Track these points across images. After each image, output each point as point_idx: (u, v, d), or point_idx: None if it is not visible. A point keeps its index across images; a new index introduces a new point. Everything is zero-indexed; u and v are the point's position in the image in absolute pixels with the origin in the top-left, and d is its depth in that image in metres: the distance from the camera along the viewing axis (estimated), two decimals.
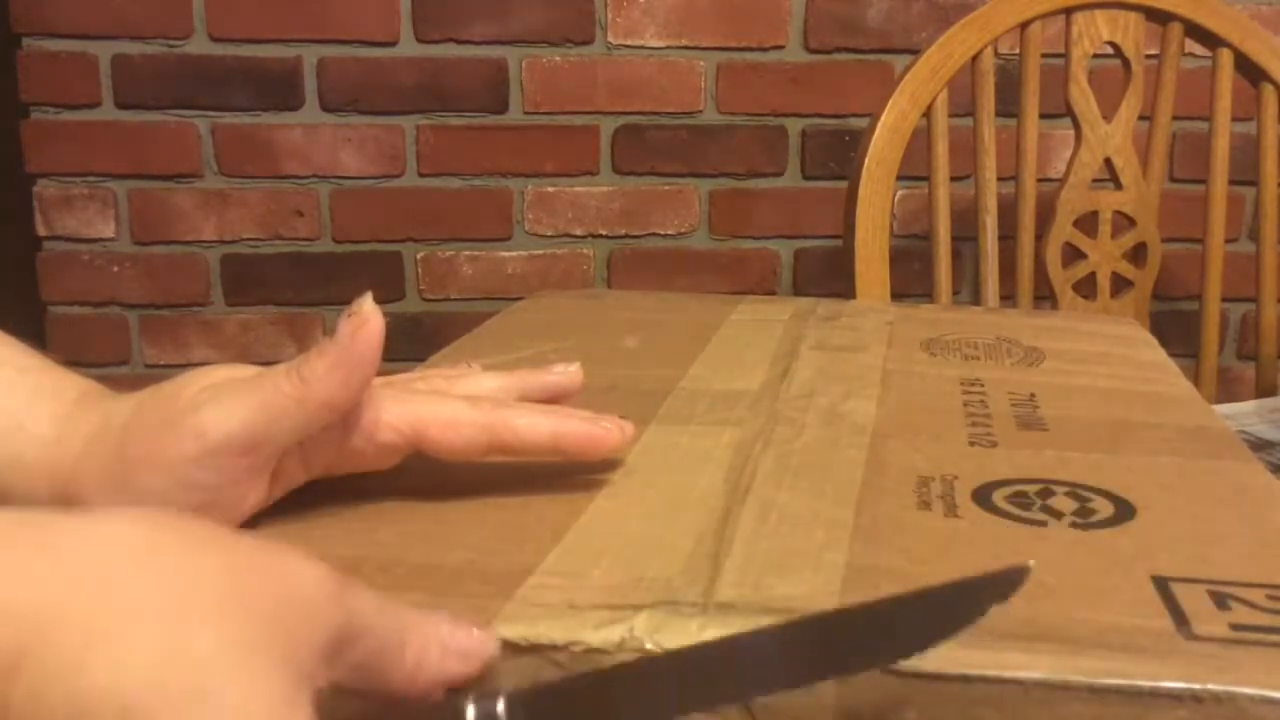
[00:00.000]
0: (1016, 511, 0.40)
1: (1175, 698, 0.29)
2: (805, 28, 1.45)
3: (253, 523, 0.38)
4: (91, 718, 0.21)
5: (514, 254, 1.50)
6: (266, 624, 0.24)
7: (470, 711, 0.26)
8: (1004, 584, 0.27)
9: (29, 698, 0.21)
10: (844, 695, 0.30)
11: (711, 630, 0.31)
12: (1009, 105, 1.12)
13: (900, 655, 0.27)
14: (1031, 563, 0.28)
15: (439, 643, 0.28)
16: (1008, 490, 0.42)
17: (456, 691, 0.27)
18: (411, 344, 1.49)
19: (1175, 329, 1.24)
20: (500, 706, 0.26)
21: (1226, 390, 1.44)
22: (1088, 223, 1.11)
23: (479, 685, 0.28)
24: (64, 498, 0.36)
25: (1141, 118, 1.11)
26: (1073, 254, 1.11)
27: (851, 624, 0.27)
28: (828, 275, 1.52)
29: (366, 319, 0.37)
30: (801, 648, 0.27)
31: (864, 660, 0.27)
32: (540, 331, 0.69)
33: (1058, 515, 0.40)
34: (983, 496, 0.42)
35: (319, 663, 0.25)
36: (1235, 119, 1.10)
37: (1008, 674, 0.30)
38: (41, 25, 1.40)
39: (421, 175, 1.47)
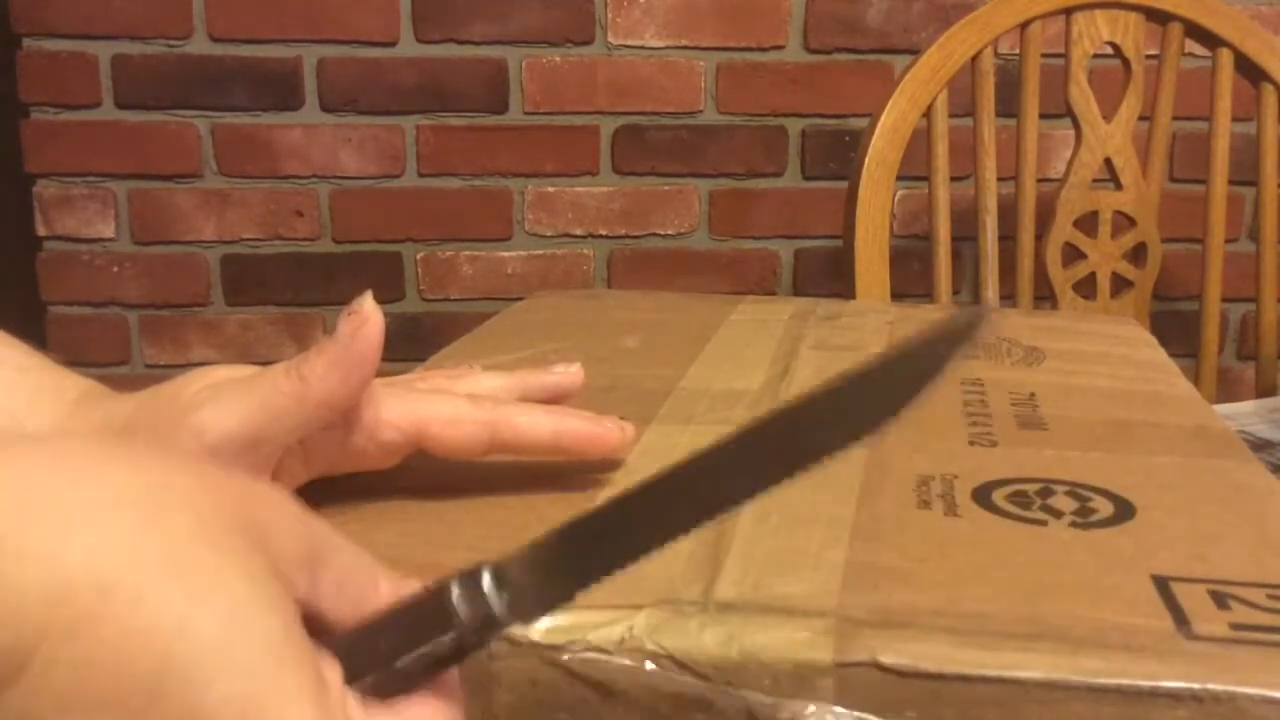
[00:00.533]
0: (1016, 511, 0.40)
1: (1175, 697, 0.29)
2: (805, 28, 1.45)
3: None
4: (69, 600, 0.21)
5: (514, 254, 1.50)
6: (240, 514, 0.24)
7: (455, 591, 0.26)
8: (965, 325, 0.26)
9: (10, 582, 0.21)
10: (843, 695, 0.30)
11: (711, 630, 0.31)
12: (1009, 105, 1.12)
13: (877, 423, 0.26)
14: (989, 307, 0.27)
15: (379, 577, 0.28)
16: (1008, 489, 0.42)
17: (439, 580, 0.27)
18: (411, 344, 1.49)
19: (1175, 329, 1.24)
20: (486, 580, 0.26)
21: (1226, 390, 1.44)
22: (1088, 223, 1.11)
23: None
24: None
25: (1141, 118, 1.11)
26: (1073, 254, 1.11)
27: (818, 408, 0.26)
28: (828, 275, 1.53)
29: (366, 318, 0.37)
30: (773, 443, 0.26)
31: (839, 438, 0.26)
32: (540, 331, 0.69)
33: (1057, 514, 0.40)
34: (983, 496, 0.42)
35: (295, 566, 0.25)
36: (1235, 119, 1.10)
37: (1008, 674, 0.30)
38: (41, 25, 1.40)
39: (421, 175, 1.47)
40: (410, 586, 0.28)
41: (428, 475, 0.42)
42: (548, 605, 0.27)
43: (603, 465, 0.44)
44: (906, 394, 0.25)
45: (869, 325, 0.71)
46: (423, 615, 0.26)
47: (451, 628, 0.26)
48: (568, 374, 0.47)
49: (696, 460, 0.27)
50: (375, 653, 0.26)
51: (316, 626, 0.26)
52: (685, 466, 0.27)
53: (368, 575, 0.27)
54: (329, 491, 0.40)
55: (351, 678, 0.25)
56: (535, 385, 0.46)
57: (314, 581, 0.26)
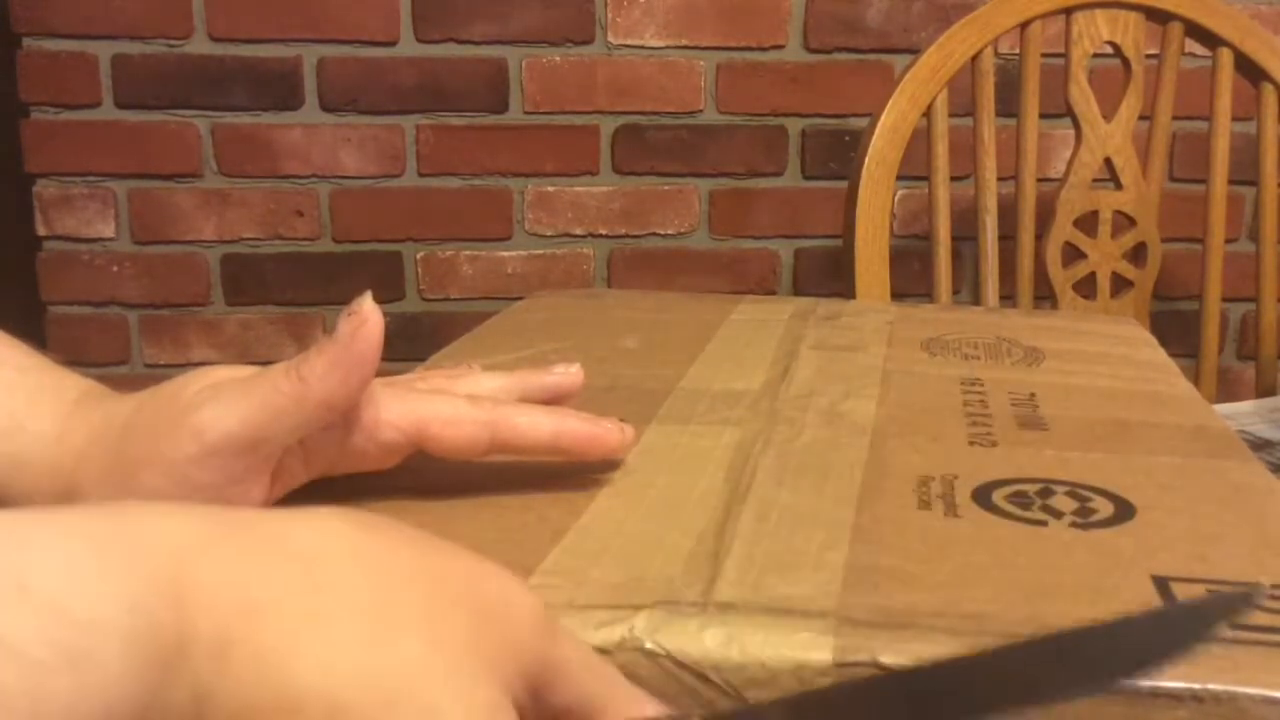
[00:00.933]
0: (1016, 511, 0.40)
1: (1176, 697, 0.29)
2: (805, 28, 1.45)
3: None
4: (298, 714, 0.21)
5: (514, 254, 1.50)
6: (471, 630, 0.24)
7: None
8: (1233, 601, 0.26)
9: (237, 686, 0.21)
10: None
11: (711, 629, 0.31)
12: (1009, 105, 1.12)
13: (1129, 673, 0.26)
14: (1266, 582, 0.27)
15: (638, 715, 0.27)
16: (1008, 490, 0.42)
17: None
18: (411, 344, 1.49)
19: (1175, 329, 1.24)
20: None
21: (1226, 390, 1.44)
22: (1088, 223, 1.11)
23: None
24: (65, 497, 0.36)
25: (1141, 117, 1.11)
26: (1073, 254, 1.11)
27: (1082, 642, 0.26)
28: (828, 275, 1.53)
29: (366, 318, 0.37)
30: (1033, 665, 0.26)
31: (1096, 681, 0.26)
32: (540, 331, 0.69)
33: (1057, 515, 0.40)
34: (983, 496, 0.42)
35: (525, 688, 0.25)
36: (1235, 119, 1.10)
37: None
38: (41, 25, 1.40)
39: (421, 175, 1.47)
40: (640, 697, 0.27)
41: (428, 475, 0.42)
42: None
43: (602, 466, 0.44)
44: (1169, 652, 0.25)
45: (869, 325, 0.71)
46: None
47: None
48: (568, 374, 0.47)
49: (959, 661, 0.26)
50: None
51: None
52: (943, 665, 0.26)
53: (596, 708, 0.27)
54: (330, 491, 0.40)
55: None
56: (535, 386, 0.46)
57: (539, 699, 0.25)
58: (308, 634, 0.22)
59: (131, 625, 0.20)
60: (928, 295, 1.08)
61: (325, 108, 1.45)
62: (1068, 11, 1.08)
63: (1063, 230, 1.10)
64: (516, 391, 0.45)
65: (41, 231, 1.46)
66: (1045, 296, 1.11)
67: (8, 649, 0.18)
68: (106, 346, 1.49)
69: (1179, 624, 0.26)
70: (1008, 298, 1.11)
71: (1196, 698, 0.29)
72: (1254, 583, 0.27)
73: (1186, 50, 1.10)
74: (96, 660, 0.19)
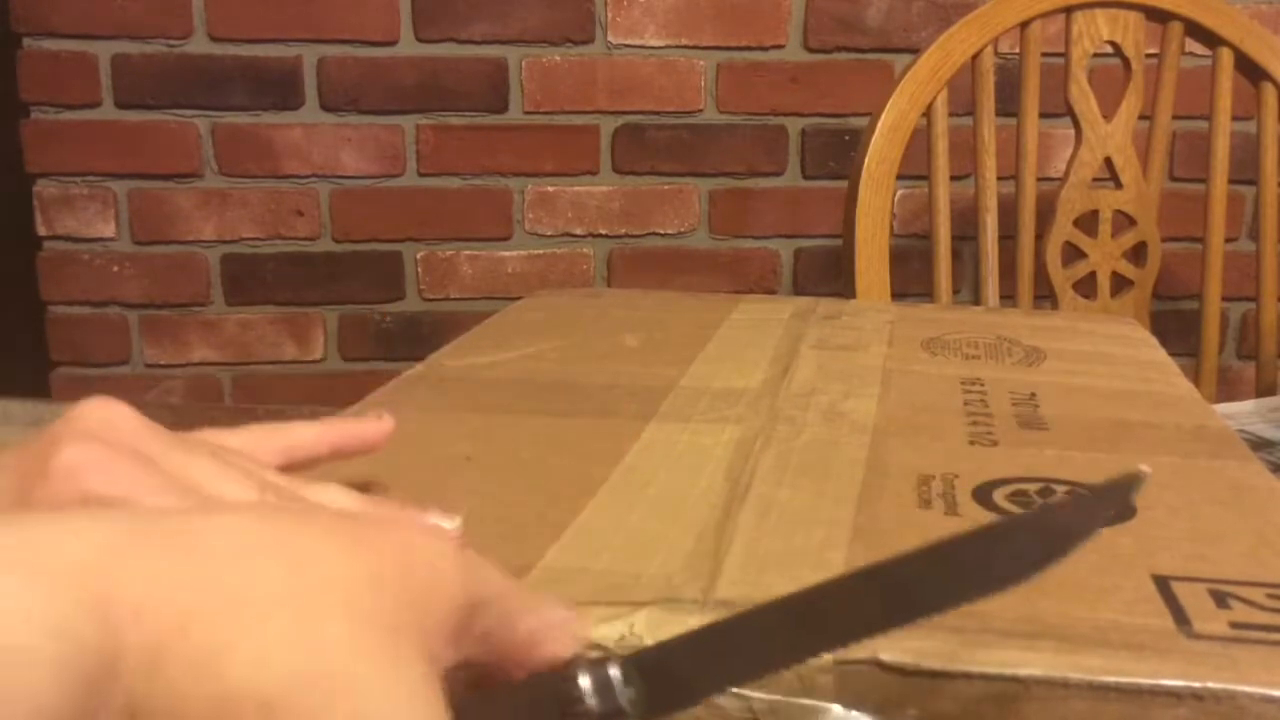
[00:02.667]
0: (1016, 510, 0.40)
1: (1175, 695, 0.29)
2: (805, 27, 1.45)
3: None
4: (233, 711, 0.21)
5: (514, 254, 1.50)
6: (396, 606, 0.24)
7: (585, 679, 0.26)
8: (1116, 493, 0.26)
9: (170, 695, 0.21)
10: (844, 694, 0.30)
11: None
12: (1009, 105, 1.12)
13: (1008, 581, 0.26)
14: (1144, 468, 0.27)
15: (548, 618, 0.28)
16: (1008, 489, 0.42)
17: (566, 663, 0.27)
18: (411, 344, 1.49)
19: (1175, 329, 1.24)
20: (614, 671, 0.26)
21: (1226, 390, 1.44)
22: (1088, 222, 1.11)
23: (586, 655, 0.27)
24: None
25: (1141, 117, 1.11)
26: (1073, 253, 1.11)
27: (952, 555, 0.26)
28: (828, 275, 1.53)
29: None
30: (904, 585, 0.26)
31: (974, 588, 0.26)
32: (541, 330, 0.69)
33: None
34: (983, 495, 0.42)
35: (447, 641, 0.25)
36: (1235, 118, 1.10)
37: (1008, 671, 0.29)
38: (41, 25, 1.40)
39: (421, 175, 1.47)
40: (545, 598, 0.28)
41: (426, 475, 0.42)
42: (672, 707, 0.27)
43: (602, 463, 0.44)
44: (1050, 550, 0.26)
45: (869, 325, 0.71)
46: (548, 700, 0.26)
47: (576, 716, 0.26)
48: (379, 423, 0.42)
49: (831, 585, 0.27)
50: None
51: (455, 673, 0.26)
52: (821, 590, 0.27)
53: (513, 620, 0.27)
54: None
55: None
56: (346, 437, 0.41)
57: (463, 639, 0.26)
58: (236, 634, 0.22)
59: (58, 649, 0.19)
60: (928, 295, 1.08)
61: (325, 108, 1.45)
62: (1068, 11, 1.08)
63: (1063, 230, 1.10)
64: (324, 446, 0.40)
65: (41, 231, 1.46)
66: (1045, 296, 1.11)
67: None
68: (106, 346, 1.49)
69: (1059, 524, 0.26)
70: (1008, 297, 1.11)
71: (1196, 695, 0.29)
72: (1138, 471, 0.27)
73: (1186, 50, 1.10)
74: (25, 689, 0.19)
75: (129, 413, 0.34)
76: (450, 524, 0.38)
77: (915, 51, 1.10)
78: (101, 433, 0.32)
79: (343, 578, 0.24)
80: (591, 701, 0.26)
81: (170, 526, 0.23)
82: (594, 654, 0.28)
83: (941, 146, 1.07)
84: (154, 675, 0.21)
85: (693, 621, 0.32)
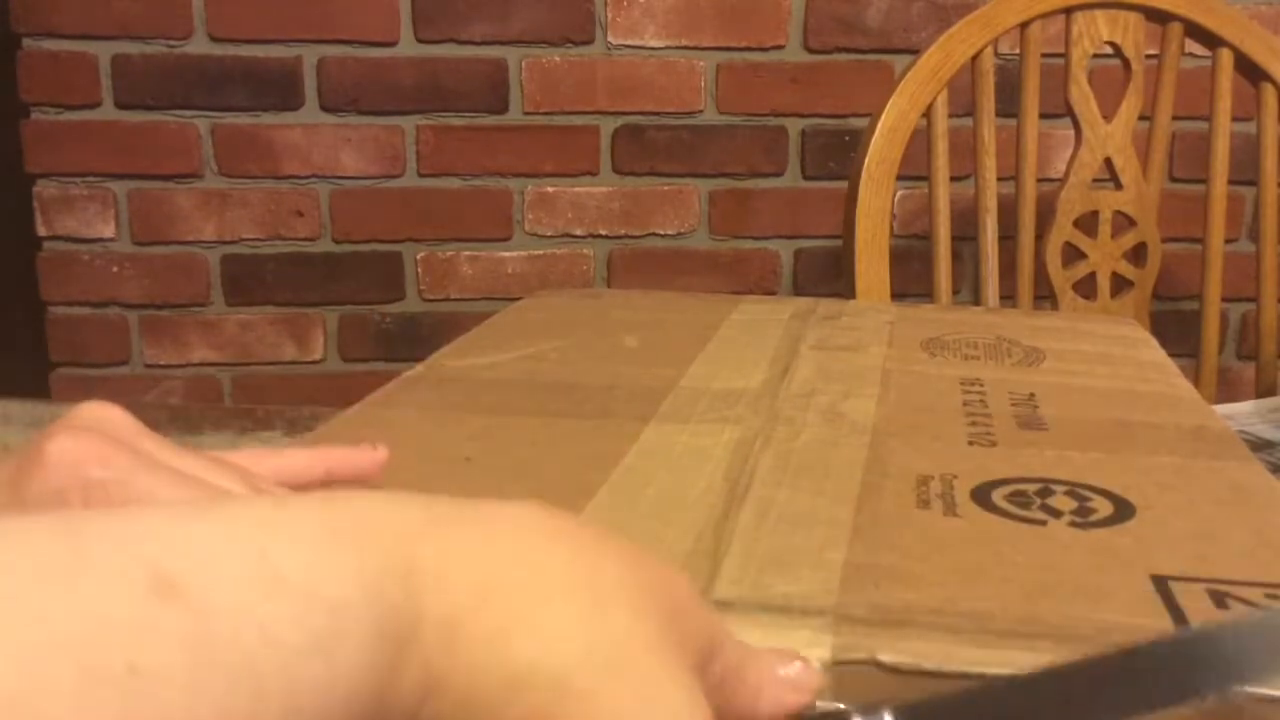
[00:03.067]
0: (1015, 510, 0.40)
1: None
2: (805, 28, 1.45)
3: None
4: (524, 687, 0.21)
5: (514, 254, 1.50)
6: (661, 611, 0.24)
7: None
8: None
9: (465, 667, 0.21)
10: (841, 693, 0.30)
11: None
12: (1009, 105, 1.12)
13: (1251, 678, 0.26)
14: None
15: (773, 670, 0.28)
16: (1007, 489, 0.42)
17: (839, 708, 0.27)
18: (411, 344, 1.49)
19: (1175, 329, 1.24)
20: (887, 717, 0.26)
21: (1226, 390, 1.44)
22: (1088, 223, 1.11)
23: (859, 703, 0.27)
24: None
25: (1141, 118, 1.10)
26: (1073, 254, 1.11)
27: (1196, 646, 0.26)
28: (828, 275, 1.53)
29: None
30: (1176, 665, 0.26)
31: (1229, 679, 0.26)
32: (540, 331, 0.69)
33: (1056, 514, 0.40)
34: (982, 495, 0.42)
35: (700, 661, 0.25)
36: (1235, 119, 1.10)
37: (1007, 672, 0.29)
38: (41, 25, 1.40)
39: (421, 175, 1.47)
40: (768, 651, 0.28)
41: (425, 476, 0.42)
42: None
43: (601, 464, 0.44)
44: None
45: (869, 325, 0.71)
46: None
47: None
48: (373, 453, 0.41)
49: (1120, 655, 0.26)
50: None
51: None
52: (1107, 660, 0.26)
53: (741, 671, 0.27)
54: None
55: None
56: (341, 464, 0.41)
57: (705, 673, 0.26)
58: (531, 612, 0.22)
59: (372, 610, 0.20)
60: (928, 295, 1.08)
61: (325, 108, 1.45)
62: (1068, 11, 1.08)
63: (1063, 230, 1.10)
64: (319, 470, 0.40)
65: (41, 231, 1.46)
66: (1045, 296, 1.11)
67: (268, 637, 0.19)
68: (106, 347, 1.49)
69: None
70: (1008, 298, 1.11)
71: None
72: None
73: (1186, 50, 1.10)
74: (346, 644, 0.19)
75: (124, 415, 0.34)
76: None
77: (915, 52, 1.10)
78: (97, 428, 0.33)
79: (622, 577, 0.24)
80: None
81: (467, 509, 0.24)
82: (837, 705, 0.28)
83: (941, 147, 1.07)
84: (450, 645, 0.21)
85: None
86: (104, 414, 0.34)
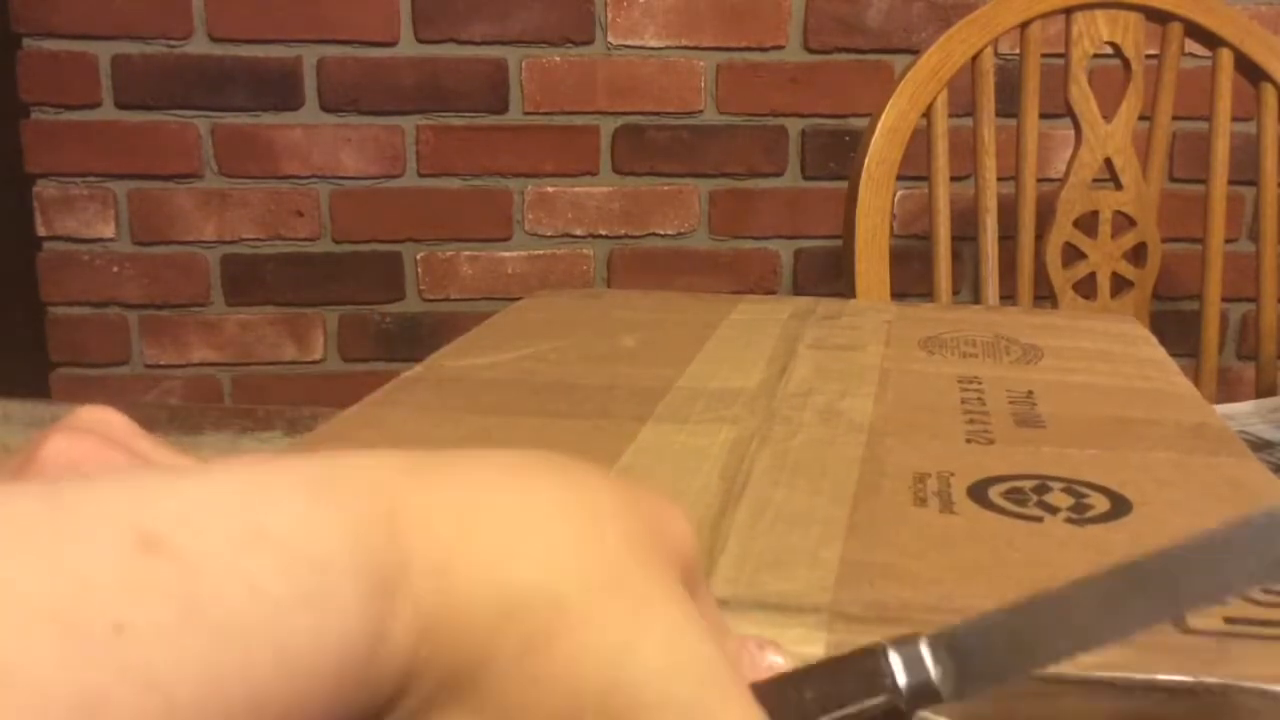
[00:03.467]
0: (1012, 507, 0.40)
1: (1170, 691, 0.29)
2: (805, 28, 1.45)
3: None
4: (523, 610, 0.21)
5: (514, 254, 1.50)
6: (655, 530, 0.24)
7: (894, 655, 0.25)
8: None
9: (459, 601, 0.21)
10: None
11: None
12: (1009, 105, 1.12)
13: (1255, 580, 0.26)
14: None
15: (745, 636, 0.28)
16: (1003, 486, 0.42)
17: (873, 643, 0.27)
18: (411, 344, 1.49)
19: (1175, 329, 1.24)
20: (923, 648, 0.26)
21: (1226, 390, 1.44)
22: (1088, 223, 1.11)
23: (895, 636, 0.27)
24: None
25: (1141, 118, 1.10)
26: (1073, 254, 1.11)
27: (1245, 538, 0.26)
28: (828, 275, 1.53)
29: None
30: (1209, 564, 0.26)
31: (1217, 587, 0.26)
32: (540, 331, 0.69)
33: (1053, 511, 0.40)
34: (978, 492, 0.42)
35: (693, 584, 0.25)
36: (1235, 119, 1.10)
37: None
38: (41, 25, 1.40)
39: (421, 175, 1.47)
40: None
41: None
42: (980, 685, 0.26)
43: (600, 462, 0.44)
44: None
45: (869, 325, 0.71)
46: (856, 675, 0.26)
47: (884, 691, 0.25)
48: None
49: (1151, 560, 0.26)
50: (799, 704, 0.25)
51: None
52: (1135, 566, 0.26)
53: (719, 623, 0.27)
54: None
55: None
56: None
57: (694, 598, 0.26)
58: (523, 537, 0.22)
59: (355, 559, 0.20)
60: (928, 295, 1.08)
61: (325, 108, 1.45)
62: (1068, 11, 1.08)
63: (1063, 230, 1.10)
64: None
65: (41, 232, 1.46)
66: (1045, 296, 1.11)
67: (255, 591, 0.19)
68: (106, 347, 1.49)
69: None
70: (1008, 298, 1.11)
71: (1191, 691, 0.29)
72: None
73: (1186, 50, 1.10)
74: (332, 597, 0.19)
75: (122, 417, 0.34)
76: None
77: (915, 52, 1.10)
78: (94, 429, 0.33)
79: (615, 503, 0.24)
80: (901, 677, 0.25)
81: (450, 455, 0.24)
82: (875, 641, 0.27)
83: (941, 147, 1.07)
84: (442, 582, 0.21)
85: None
86: (101, 416, 0.34)
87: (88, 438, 0.33)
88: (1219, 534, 0.26)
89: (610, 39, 1.45)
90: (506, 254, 1.50)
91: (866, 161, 1.05)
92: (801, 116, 1.48)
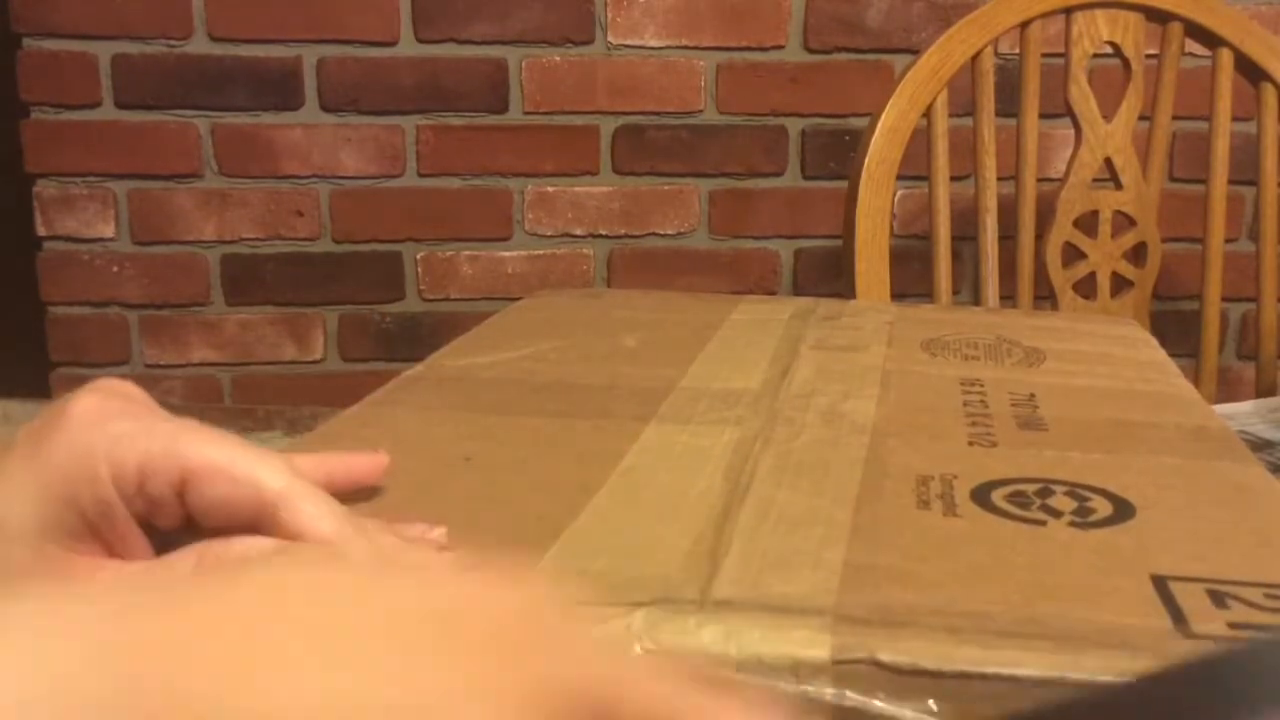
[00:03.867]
0: (1015, 511, 0.40)
1: None
2: (805, 28, 1.45)
3: None
4: None
5: (514, 254, 1.50)
6: (498, 666, 0.22)
7: None
8: None
9: None
10: (840, 693, 0.30)
11: (709, 627, 0.31)
12: (1009, 105, 1.12)
13: None
14: None
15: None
16: (1006, 489, 0.42)
17: None
18: (411, 344, 1.49)
19: (1175, 329, 1.24)
20: None
21: (1226, 390, 1.44)
22: (1088, 223, 1.11)
23: None
24: None
25: (1141, 118, 1.10)
26: (1073, 254, 1.11)
27: None
28: (828, 275, 1.52)
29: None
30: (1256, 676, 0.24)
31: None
32: (540, 331, 0.69)
33: (1056, 514, 0.40)
34: (981, 496, 0.42)
35: (582, 714, 0.22)
36: (1235, 119, 1.10)
37: (1006, 671, 0.29)
38: (41, 25, 1.40)
39: (421, 175, 1.47)
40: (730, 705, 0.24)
41: (424, 476, 0.42)
42: None
43: (600, 464, 0.44)
44: None
45: (869, 325, 0.71)
46: None
47: None
48: (374, 459, 0.42)
49: (1194, 664, 0.24)
50: None
51: None
52: (1180, 670, 0.24)
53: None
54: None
55: None
56: (343, 470, 0.41)
57: None
58: (297, 676, 0.20)
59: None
60: (928, 295, 1.08)
61: (325, 108, 1.45)
62: (1068, 11, 1.08)
63: (1063, 230, 1.10)
64: (320, 476, 0.39)
65: (41, 231, 1.46)
66: (1045, 296, 1.11)
67: None
68: (106, 346, 1.49)
69: None
70: (1008, 298, 1.11)
71: None
72: None
73: (1186, 50, 1.10)
74: None
75: (138, 388, 0.37)
76: (435, 533, 0.38)
77: (915, 52, 1.10)
78: (117, 390, 0.35)
79: (435, 634, 0.22)
80: None
81: (193, 601, 0.22)
82: None
83: (941, 147, 1.07)
84: None
85: (690, 621, 0.32)
86: (120, 384, 0.36)
87: (112, 396, 0.34)
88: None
89: (610, 39, 1.44)
90: (506, 254, 1.50)
91: (866, 161, 1.05)
92: (801, 116, 1.48)
